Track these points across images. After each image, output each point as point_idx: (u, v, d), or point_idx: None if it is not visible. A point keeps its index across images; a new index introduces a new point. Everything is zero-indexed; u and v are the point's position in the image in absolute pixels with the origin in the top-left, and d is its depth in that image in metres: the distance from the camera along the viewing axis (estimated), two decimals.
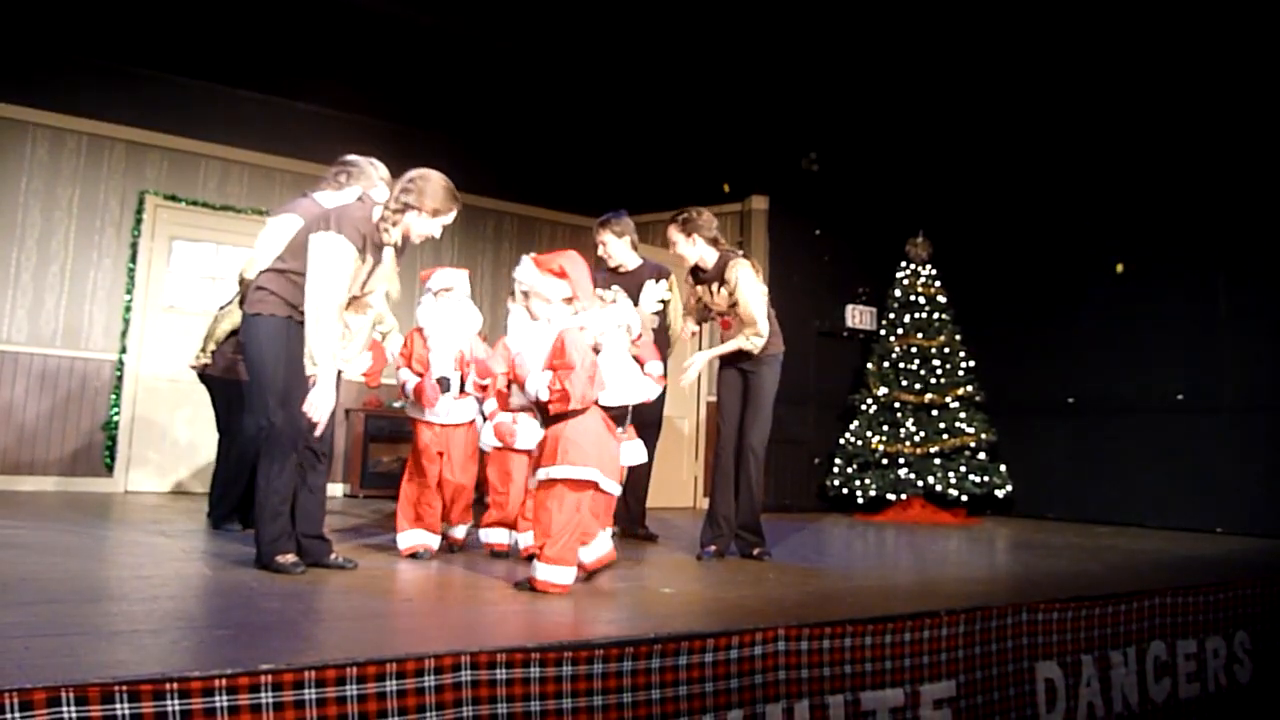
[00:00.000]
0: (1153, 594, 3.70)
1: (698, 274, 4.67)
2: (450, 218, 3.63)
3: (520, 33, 7.21)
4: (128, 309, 7.32)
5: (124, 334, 7.29)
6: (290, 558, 3.44)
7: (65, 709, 1.69)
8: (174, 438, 7.45)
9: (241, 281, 4.49)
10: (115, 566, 3.64)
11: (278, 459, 3.45)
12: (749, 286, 4.46)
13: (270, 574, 3.38)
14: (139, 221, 7.42)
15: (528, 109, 8.36)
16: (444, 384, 4.13)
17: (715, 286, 4.56)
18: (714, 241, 4.60)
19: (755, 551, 4.52)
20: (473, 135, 8.70)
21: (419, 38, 7.19)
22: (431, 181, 3.57)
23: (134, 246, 7.39)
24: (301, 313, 3.40)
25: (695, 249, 4.58)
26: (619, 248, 5.19)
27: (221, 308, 5.23)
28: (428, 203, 3.53)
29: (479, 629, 2.65)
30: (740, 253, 4.61)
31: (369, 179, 4.14)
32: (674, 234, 4.60)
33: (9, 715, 1.64)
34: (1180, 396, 7.56)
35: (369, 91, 7.85)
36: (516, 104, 8.28)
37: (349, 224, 3.40)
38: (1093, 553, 5.50)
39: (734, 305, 4.50)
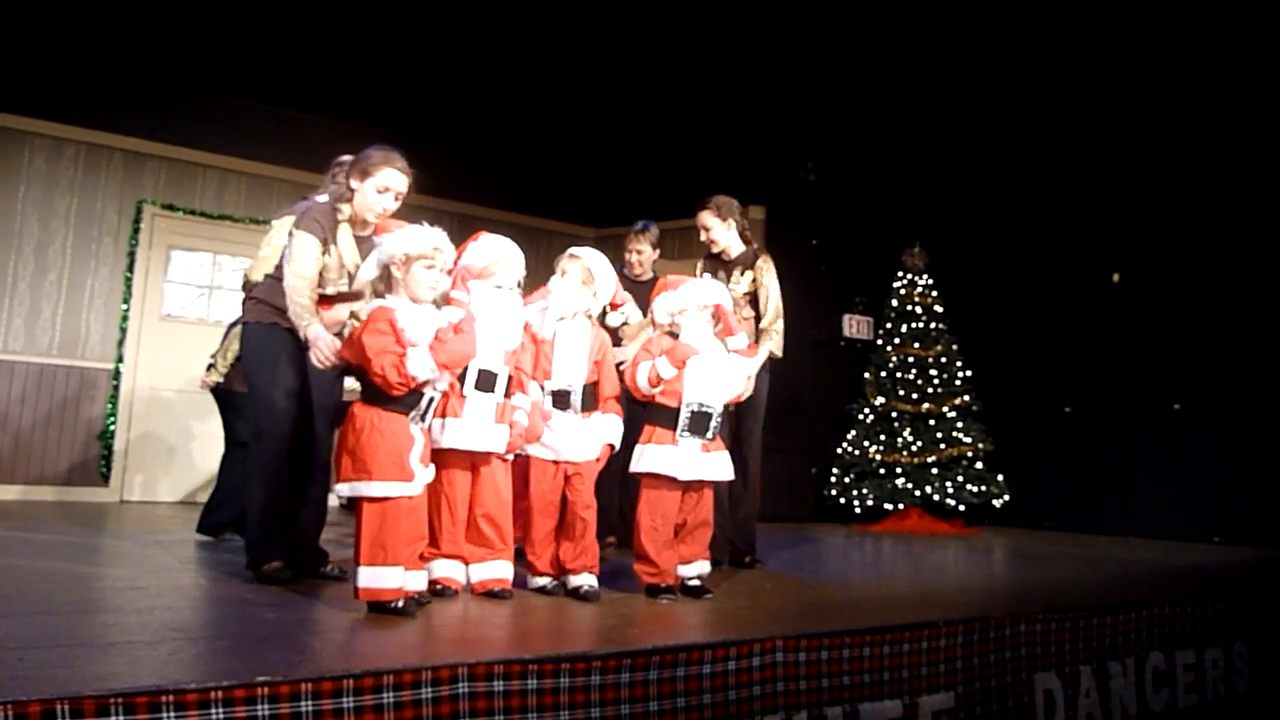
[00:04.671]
0: (1151, 604, 3.70)
1: (717, 260, 4.75)
2: (386, 178, 3.43)
3: (520, 43, 7.23)
4: (125, 318, 7.31)
5: (120, 343, 7.28)
6: (277, 564, 3.40)
7: None
8: (170, 447, 7.44)
9: (246, 285, 4.44)
10: (111, 577, 3.63)
11: (268, 466, 3.43)
12: (776, 283, 4.59)
13: (266, 584, 3.36)
14: (136, 231, 7.41)
15: (526, 120, 8.38)
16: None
17: (739, 272, 4.63)
18: (742, 231, 4.72)
19: (746, 559, 4.54)
20: (473, 145, 8.72)
21: (418, 47, 7.21)
22: (362, 150, 3.50)
23: (131, 256, 7.38)
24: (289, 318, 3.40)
25: (729, 234, 4.68)
26: (650, 260, 5.22)
27: (233, 325, 5.22)
28: (356, 169, 3.45)
29: (476, 640, 2.65)
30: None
31: None
32: (709, 219, 4.65)
33: None
34: (1177, 406, 7.57)
35: (368, 100, 7.86)
36: (515, 115, 8.29)
37: (308, 217, 3.41)
38: (1090, 563, 5.50)
39: (749, 295, 4.55)
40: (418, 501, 3.00)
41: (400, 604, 2.86)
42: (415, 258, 3.02)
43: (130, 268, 7.37)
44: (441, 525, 3.33)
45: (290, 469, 3.55)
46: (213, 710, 1.83)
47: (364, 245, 3.52)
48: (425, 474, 3.04)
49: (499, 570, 3.34)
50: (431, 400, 3.05)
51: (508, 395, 3.40)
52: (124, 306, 7.32)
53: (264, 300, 3.53)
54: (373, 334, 2.92)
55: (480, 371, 3.30)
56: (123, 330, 7.29)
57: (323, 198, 3.97)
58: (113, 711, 1.73)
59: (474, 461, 3.35)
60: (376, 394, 2.92)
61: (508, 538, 3.39)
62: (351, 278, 3.51)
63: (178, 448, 7.44)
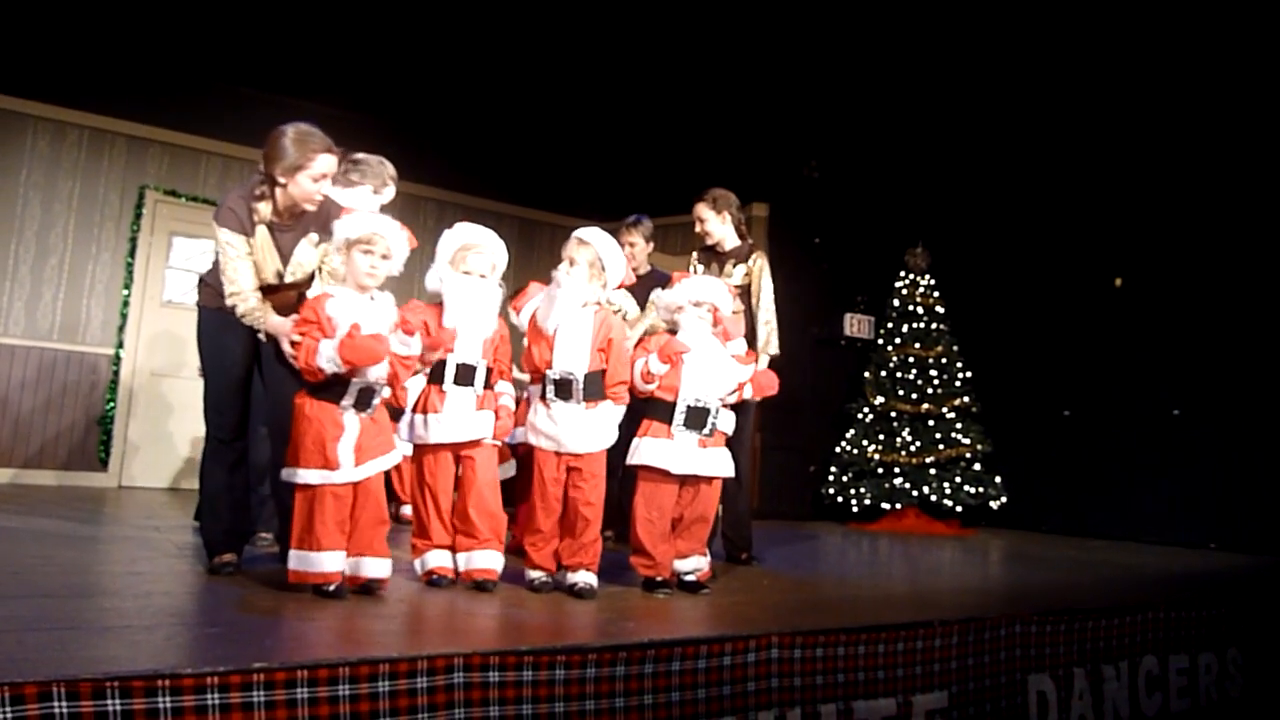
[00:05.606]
0: (1146, 609, 3.70)
1: (711, 252, 4.75)
2: (322, 165, 3.23)
3: (525, 36, 7.22)
4: (125, 304, 7.30)
5: (121, 329, 7.28)
6: (228, 558, 3.32)
7: (56, 704, 1.69)
8: (169, 433, 7.44)
9: None
10: (108, 562, 3.63)
11: (216, 454, 3.40)
12: (770, 284, 4.60)
13: (215, 575, 3.29)
14: (138, 216, 7.41)
15: (530, 113, 8.37)
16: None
17: (731, 264, 4.65)
18: (738, 225, 4.72)
19: (742, 556, 4.55)
20: (476, 138, 8.72)
21: (421, 37, 7.20)
22: (276, 142, 3.21)
23: (133, 241, 7.38)
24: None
25: (724, 227, 4.69)
26: (644, 254, 5.11)
27: None
28: (281, 166, 3.20)
29: (472, 631, 2.65)
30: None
31: (379, 178, 4.11)
32: (704, 211, 4.67)
33: (1, 710, 1.63)
34: (1176, 412, 7.57)
35: (370, 89, 7.85)
36: (519, 108, 8.28)
37: (223, 206, 3.25)
38: (1086, 566, 5.50)
39: (740, 289, 4.54)
40: (371, 486, 2.99)
41: (331, 588, 2.88)
42: (354, 243, 3.01)
43: (132, 253, 7.37)
44: (429, 516, 3.31)
45: (272, 459, 3.51)
46: (208, 695, 1.83)
47: (288, 236, 3.35)
48: (377, 463, 3.00)
49: (485, 560, 3.28)
50: (368, 390, 2.98)
51: (490, 385, 3.37)
52: (125, 292, 7.32)
53: (212, 284, 3.42)
54: (301, 320, 2.97)
55: (458, 366, 3.28)
56: (123, 316, 7.29)
57: (334, 190, 3.92)
58: (109, 695, 1.74)
59: (459, 451, 3.33)
60: (307, 381, 2.96)
61: (497, 526, 3.33)
62: (280, 276, 3.35)
63: (176, 434, 7.44)
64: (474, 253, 3.34)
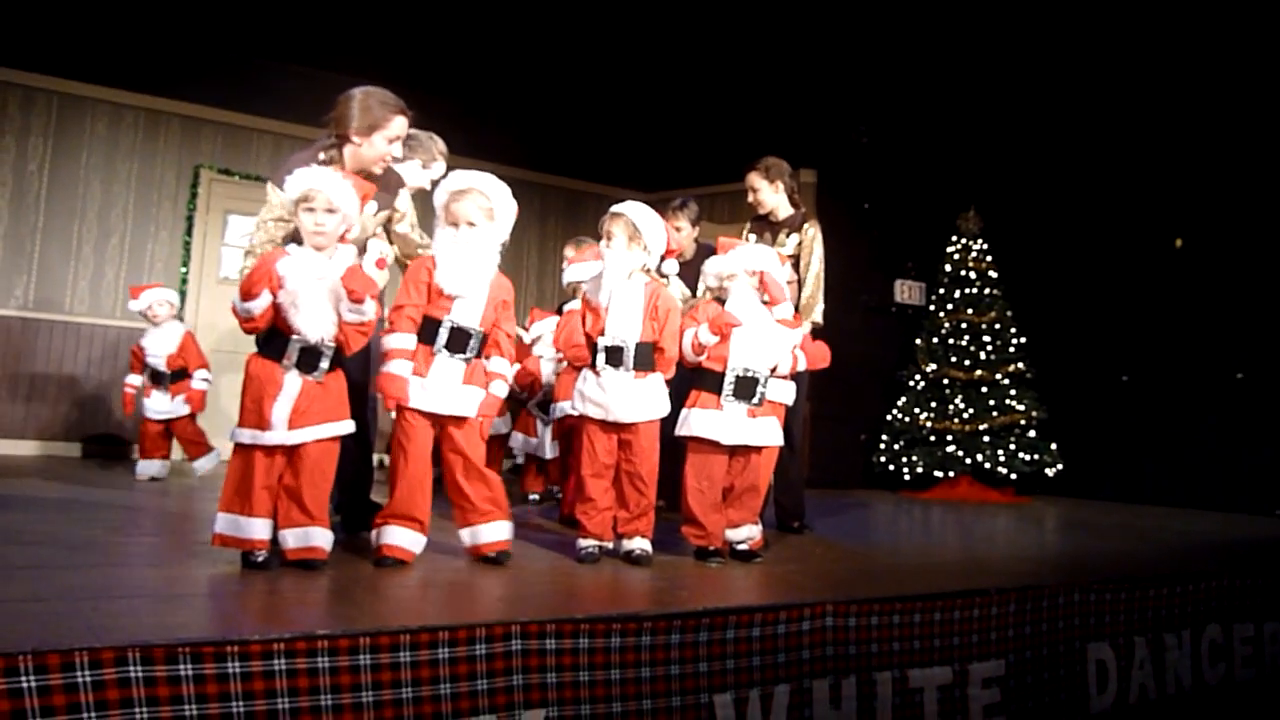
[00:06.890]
0: (1209, 576, 3.64)
1: (764, 221, 4.74)
2: (398, 127, 3.27)
3: (569, 6, 7.18)
4: (184, 281, 7.46)
5: (180, 306, 7.43)
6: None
7: (132, 668, 1.75)
8: (228, 408, 7.59)
9: None
10: (176, 532, 3.74)
11: None
12: (820, 251, 4.58)
13: None
14: (194, 195, 7.55)
15: (575, 83, 8.34)
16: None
17: (785, 234, 4.64)
18: (790, 194, 4.71)
19: (795, 525, 4.55)
20: (522, 110, 8.70)
21: (469, 12, 7.20)
22: (349, 102, 3.23)
23: (190, 220, 7.53)
24: None
25: (777, 196, 4.68)
26: (690, 238, 4.97)
27: None
28: (356, 126, 3.22)
29: (529, 599, 2.69)
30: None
31: (429, 153, 4.14)
32: (756, 180, 4.67)
33: (80, 674, 1.69)
34: (1239, 375, 7.38)
35: (418, 65, 7.86)
36: (564, 78, 8.26)
37: (281, 168, 3.21)
38: (1146, 534, 5.42)
39: (793, 258, 4.50)
40: (311, 453, 2.83)
41: (260, 557, 2.74)
42: (297, 201, 2.87)
43: (189, 231, 7.52)
44: (398, 479, 3.06)
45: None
46: (275, 661, 1.89)
47: None
48: (316, 430, 2.84)
49: (492, 533, 3.12)
50: (312, 351, 2.82)
51: (485, 356, 3.16)
52: (183, 270, 7.48)
53: None
54: (255, 275, 2.86)
55: (453, 329, 3.05)
56: (182, 293, 7.44)
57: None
58: (181, 660, 1.79)
59: (441, 421, 3.09)
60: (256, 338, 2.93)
61: (495, 495, 3.14)
62: None
63: (234, 409, 7.57)
64: (459, 200, 3.11)
